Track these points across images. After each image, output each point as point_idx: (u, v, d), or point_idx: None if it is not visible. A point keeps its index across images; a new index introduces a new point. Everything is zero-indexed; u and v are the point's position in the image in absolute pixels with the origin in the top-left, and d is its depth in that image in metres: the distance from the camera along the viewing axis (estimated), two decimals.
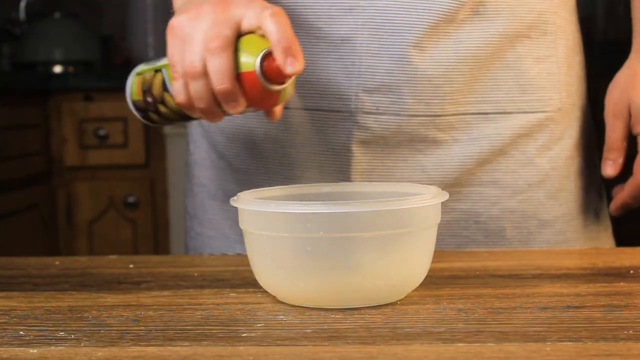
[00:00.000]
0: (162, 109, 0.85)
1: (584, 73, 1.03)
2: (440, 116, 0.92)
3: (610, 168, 0.96)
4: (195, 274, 0.81)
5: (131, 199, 2.81)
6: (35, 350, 0.58)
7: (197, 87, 0.76)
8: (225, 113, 0.79)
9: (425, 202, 0.67)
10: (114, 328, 0.63)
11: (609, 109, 0.97)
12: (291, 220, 0.65)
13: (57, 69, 2.97)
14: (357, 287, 0.66)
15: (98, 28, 3.29)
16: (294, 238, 0.66)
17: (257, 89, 0.76)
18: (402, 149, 0.93)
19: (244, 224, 0.69)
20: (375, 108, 0.92)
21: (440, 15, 0.90)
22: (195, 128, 1.06)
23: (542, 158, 0.97)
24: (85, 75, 2.85)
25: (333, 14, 0.91)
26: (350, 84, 0.91)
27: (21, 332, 0.62)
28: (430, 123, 0.92)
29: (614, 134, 0.96)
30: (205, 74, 0.75)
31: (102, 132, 2.77)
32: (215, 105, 0.77)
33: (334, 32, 0.91)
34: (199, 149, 1.06)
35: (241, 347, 0.58)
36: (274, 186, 0.77)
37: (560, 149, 0.98)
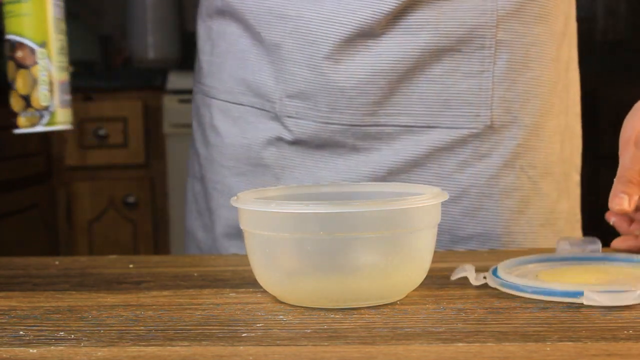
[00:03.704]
0: None
1: (550, 88, 0.97)
2: (357, 126, 0.94)
3: (627, 202, 0.82)
4: (195, 274, 0.81)
5: (131, 199, 2.81)
6: (35, 350, 0.58)
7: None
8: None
9: (425, 202, 0.67)
10: (114, 328, 0.63)
11: (629, 137, 0.84)
12: (291, 220, 0.65)
13: None
14: (357, 287, 0.66)
15: (98, 28, 3.29)
16: (294, 238, 0.66)
17: None
18: (323, 151, 0.96)
19: (244, 224, 0.69)
20: (295, 112, 0.96)
21: (355, 29, 0.91)
22: (192, 144, 1.09)
23: (461, 174, 0.95)
24: (85, 75, 2.85)
25: (269, 20, 0.95)
26: (277, 87, 0.96)
27: (21, 332, 0.62)
28: (347, 131, 0.94)
29: (637, 165, 0.82)
30: None
31: (102, 132, 2.77)
32: None
33: (268, 38, 0.96)
34: (191, 165, 1.10)
35: (241, 347, 0.58)
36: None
37: (484, 166, 0.95)
